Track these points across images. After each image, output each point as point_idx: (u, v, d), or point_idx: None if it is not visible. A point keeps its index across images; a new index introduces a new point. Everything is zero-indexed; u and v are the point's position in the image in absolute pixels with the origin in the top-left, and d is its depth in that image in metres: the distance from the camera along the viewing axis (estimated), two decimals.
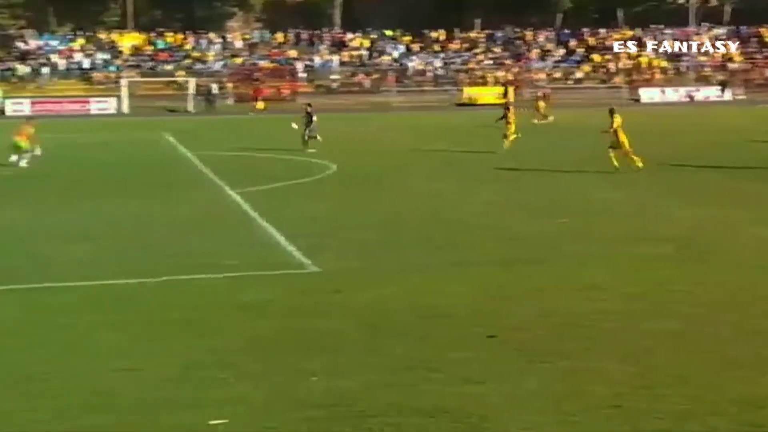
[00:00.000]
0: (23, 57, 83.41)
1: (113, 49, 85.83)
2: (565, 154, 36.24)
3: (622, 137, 31.01)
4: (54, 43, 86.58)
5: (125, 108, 73.22)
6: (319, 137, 40.51)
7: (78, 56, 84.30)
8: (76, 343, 12.67)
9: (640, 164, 30.42)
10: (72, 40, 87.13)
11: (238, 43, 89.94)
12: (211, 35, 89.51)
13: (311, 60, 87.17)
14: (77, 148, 41.67)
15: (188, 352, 11.98)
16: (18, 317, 14.16)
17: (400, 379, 10.73)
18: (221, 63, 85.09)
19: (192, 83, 77.12)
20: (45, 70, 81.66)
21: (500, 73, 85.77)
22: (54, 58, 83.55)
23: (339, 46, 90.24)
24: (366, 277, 16.45)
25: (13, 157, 35.43)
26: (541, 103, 57.85)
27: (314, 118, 41.31)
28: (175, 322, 13.61)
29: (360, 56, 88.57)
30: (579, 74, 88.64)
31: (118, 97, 74.40)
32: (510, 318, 13.39)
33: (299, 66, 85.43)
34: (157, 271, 17.11)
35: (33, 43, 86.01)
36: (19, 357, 12.02)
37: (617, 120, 31.31)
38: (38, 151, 35.66)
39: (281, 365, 11.34)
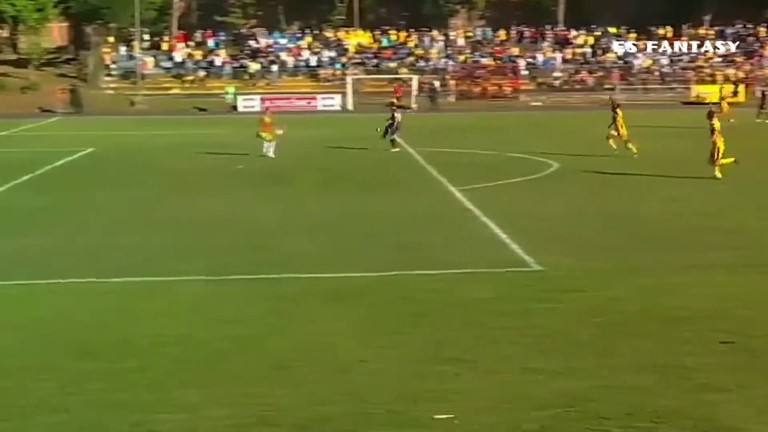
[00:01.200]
0: (254, 55, 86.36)
1: (339, 47, 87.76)
2: None
3: (719, 142, 29.50)
4: (283, 41, 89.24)
5: (350, 105, 74.75)
6: (397, 147, 39.90)
7: (305, 54, 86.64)
8: (316, 332, 13.01)
9: (720, 174, 28.95)
10: (300, 39, 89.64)
11: (461, 41, 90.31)
12: (435, 33, 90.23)
13: (534, 57, 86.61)
14: (305, 143, 42.77)
15: (420, 347, 12.10)
16: (264, 306, 14.65)
17: (637, 381, 10.47)
18: (444, 60, 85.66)
19: (415, 80, 77.99)
20: (274, 67, 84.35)
21: (730, 71, 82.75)
22: (283, 55, 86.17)
23: (562, 43, 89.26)
24: (591, 277, 16.17)
25: (265, 150, 37.77)
26: (725, 104, 54.75)
27: (396, 116, 41.04)
28: (407, 315, 13.78)
29: (583, 54, 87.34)
30: None
31: (343, 93, 76.06)
32: (751, 325, 12.83)
33: (521, 63, 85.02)
34: (386, 266, 17.34)
35: (263, 42, 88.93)
36: (265, 344, 12.45)
37: (717, 124, 29.85)
38: (271, 138, 37.79)
39: (513, 363, 11.28)
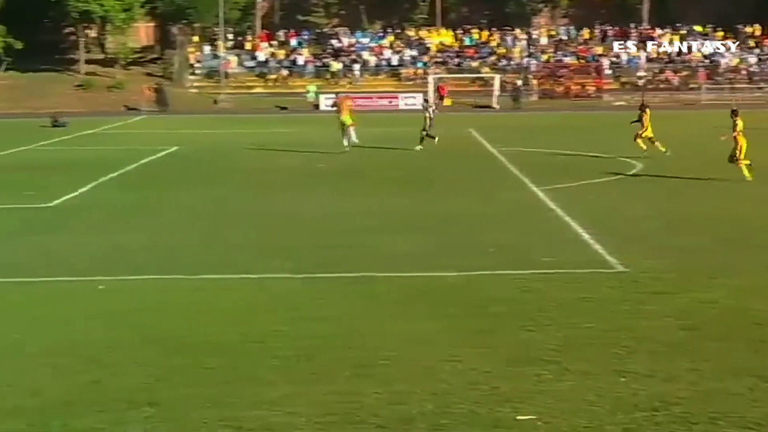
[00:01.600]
0: (336, 54, 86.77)
1: (421, 46, 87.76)
2: None
3: (742, 141, 28.81)
4: (365, 40, 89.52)
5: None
6: (435, 137, 40.36)
7: (387, 53, 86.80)
8: (402, 331, 13.05)
9: (749, 175, 28.29)
10: (382, 38, 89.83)
11: (544, 40, 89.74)
12: (517, 32, 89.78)
13: (617, 56, 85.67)
14: (387, 140, 42.84)
15: (504, 347, 12.09)
16: (351, 304, 14.75)
17: (728, 386, 10.33)
18: (527, 59, 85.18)
19: (497, 80, 77.70)
20: (356, 66, 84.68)
21: None
22: (365, 54, 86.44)
23: (647, 42, 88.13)
24: (676, 279, 15.98)
25: (345, 141, 38.31)
26: None
27: (426, 115, 41.20)
28: (495, 315, 13.78)
29: (668, 53, 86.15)
30: None
31: (425, 92, 76.04)
32: None
33: (605, 62, 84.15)
34: (471, 265, 17.30)
35: (346, 41, 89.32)
36: (351, 343, 12.55)
37: (740, 123, 29.04)
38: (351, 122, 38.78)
39: (600, 365, 11.22)
